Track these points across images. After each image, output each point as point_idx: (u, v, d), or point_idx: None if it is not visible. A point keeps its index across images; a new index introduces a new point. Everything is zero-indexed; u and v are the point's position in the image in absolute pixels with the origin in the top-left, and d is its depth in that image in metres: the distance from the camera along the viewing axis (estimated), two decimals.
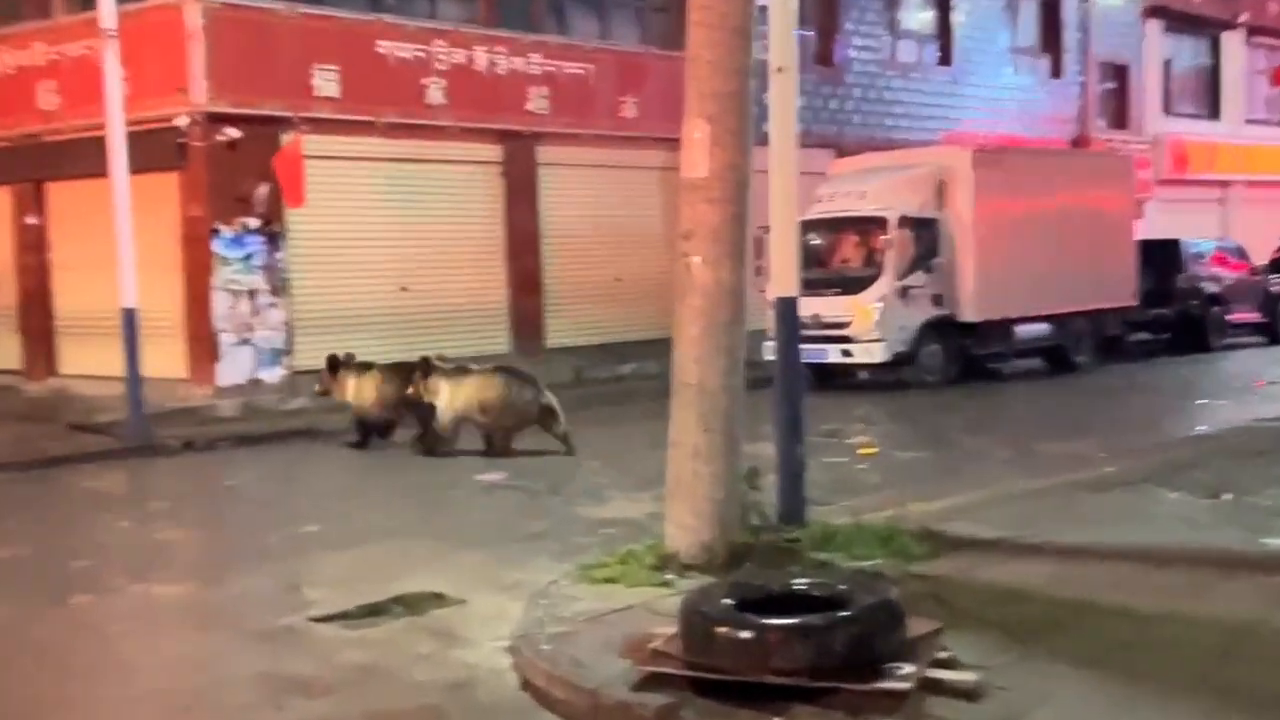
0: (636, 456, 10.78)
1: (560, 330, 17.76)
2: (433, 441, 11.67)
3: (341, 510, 9.61)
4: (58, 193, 16.36)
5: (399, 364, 12.35)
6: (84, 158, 14.92)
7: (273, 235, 15.02)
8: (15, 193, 16.62)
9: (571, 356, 17.57)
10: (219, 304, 14.63)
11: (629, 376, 17.57)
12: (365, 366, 12.50)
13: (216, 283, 14.62)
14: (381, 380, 12.26)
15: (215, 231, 14.63)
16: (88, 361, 15.70)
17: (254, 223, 14.89)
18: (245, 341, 14.81)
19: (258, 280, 14.90)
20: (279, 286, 15.07)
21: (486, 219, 17.12)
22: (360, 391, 12.33)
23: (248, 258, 14.84)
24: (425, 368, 11.83)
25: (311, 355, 15.27)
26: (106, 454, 12.27)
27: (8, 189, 16.67)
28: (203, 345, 14.68)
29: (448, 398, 11.66)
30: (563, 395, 11.99)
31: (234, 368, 14.73)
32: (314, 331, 15.26)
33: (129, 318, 12.62)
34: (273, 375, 14.97)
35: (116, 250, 12.58)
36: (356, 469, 11.67)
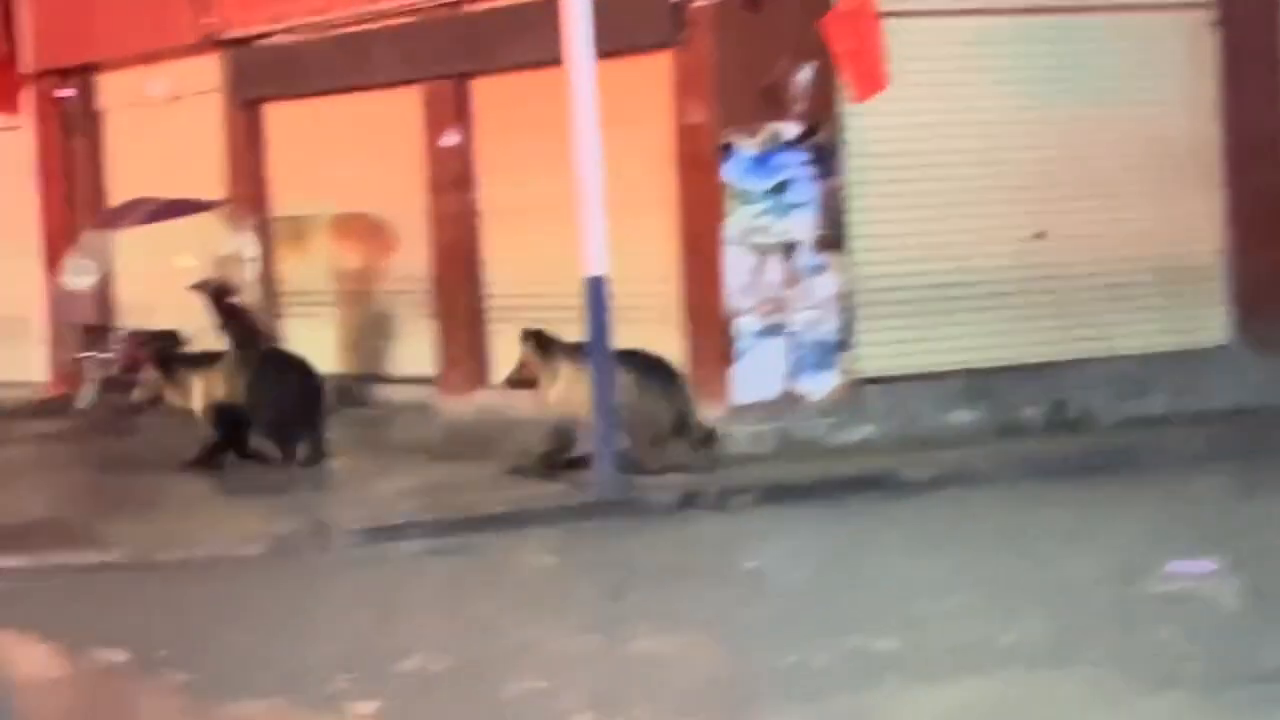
0: None
1: None
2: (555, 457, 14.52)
3: (930, 612, 9.84)
4: (489, 94, 17.83)
5: (246, 350, 16.17)
6: (527, 36, 16.19)
7: (821, 150, 15.56)
8: (427, 96, 18.25)
9: None
10: (734, 268, 15.39)
11: None
12: (210, 357, 15.93)
13: (730, 233, 15.41)
14: (233, 371, 15.46)
15: (728, 148, 15.40)
16: None
17: (790, 130, 15.50)
18: (776, 330, 15.46)
19: (796, 227, 15.52)
20: (832, 237, 15.65)
21: (1186, 107, 16.86)
22: (210, 389, 15.27)
23: (780, 189, 15.49)
24: (540, 340, 14.63)
25: (881, 352, 15.71)
26: (563, 513, 13.30)
27: (417, 90, 18.33)
28: (709, 337, 15.48)
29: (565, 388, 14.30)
30: None
31: (758, 373, 15.40)
32: (885, 312, 15.72)
33: (595, 293, 13.56)
34: (821, 385, 15.52)
35: (576, 184, 13.57)
36: (945, 543, 11.96)
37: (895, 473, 14.13)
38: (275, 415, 15.45)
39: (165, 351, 15.88)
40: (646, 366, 14.34)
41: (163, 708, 9.32)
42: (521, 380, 14.97)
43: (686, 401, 14.41)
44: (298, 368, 16.03)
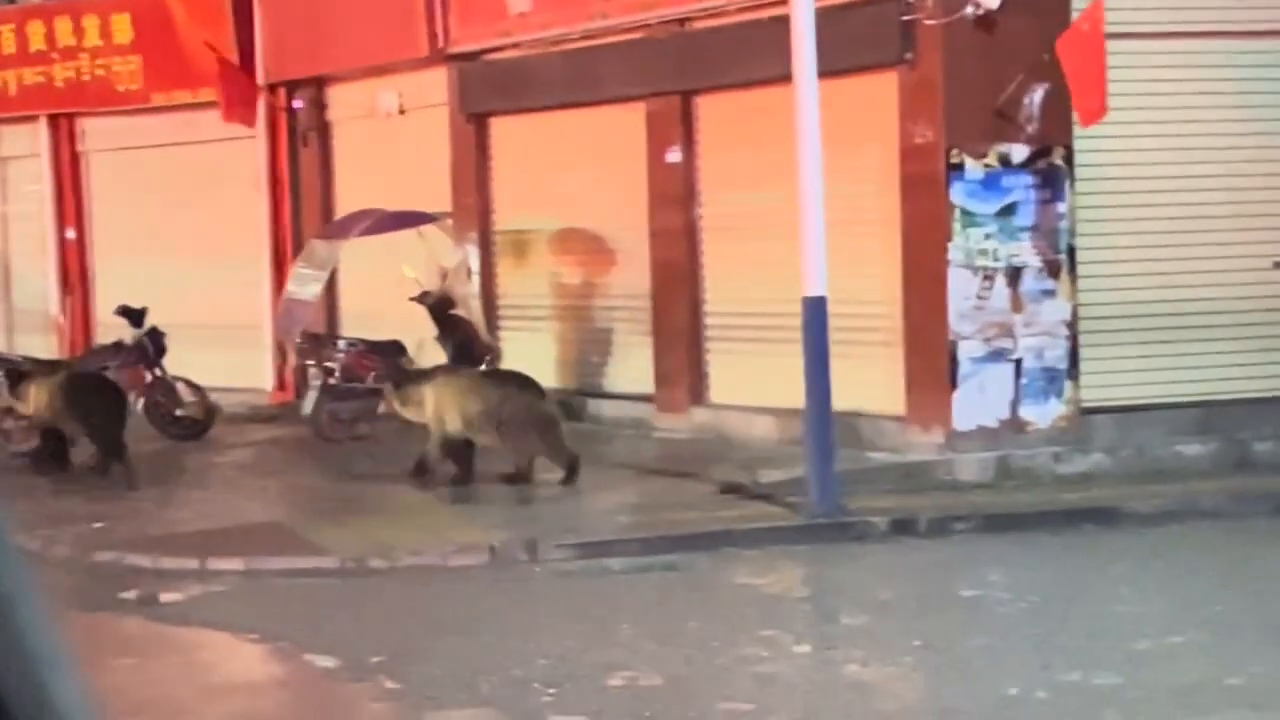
0: None
1: None
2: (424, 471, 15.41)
3: (1153, 649, 9.69)
4: (713, 111, 17.89)
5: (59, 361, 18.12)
6: (752, 54, 16.22)
7: (1051, 173, 15.40)
8: (653, 113, 18.33)
9: None
10: (958, 290, 15.27)
11: None
12: (48, 370, 17.58)
13: (955, 255, 15.28)
14: (57, 388, 16.68)
15: (955, 168, 15.30)
16: (748, 383, 17.04)
17: (1019, 152, 15.34)
18: (1000, 355, 15.31)
19: (1024, 250, 15.35)
20: (1059, 262, 15.46)
21: None
22: (38, 401, 16.63)
23: (1007, 211, 15.33)
24: (396, 371, 16.19)
25: (1108, 380, 15.45)
26: (775, 534, 13.27)
27: (641, 106, 18.42)
28: (931, 361, 15.36)
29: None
30: None
31: (980, 399, 15.25)
32: (1113, 340, 15.46)
33: (814, 314, 13.51)
34: (1045, 414, 15.31)
35: (798, 203, 13.50)
36: (1171, 579, 11.69)
37: (1121, 505, 13.88)
38: (100, 427, 16.56)
39: (14, 369, 17.60)
40: (510, 378, 15.90)
41: (372, 714, 9.42)
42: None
43: (552, 417, 15.51)
44: (110, 386, 17.34)
